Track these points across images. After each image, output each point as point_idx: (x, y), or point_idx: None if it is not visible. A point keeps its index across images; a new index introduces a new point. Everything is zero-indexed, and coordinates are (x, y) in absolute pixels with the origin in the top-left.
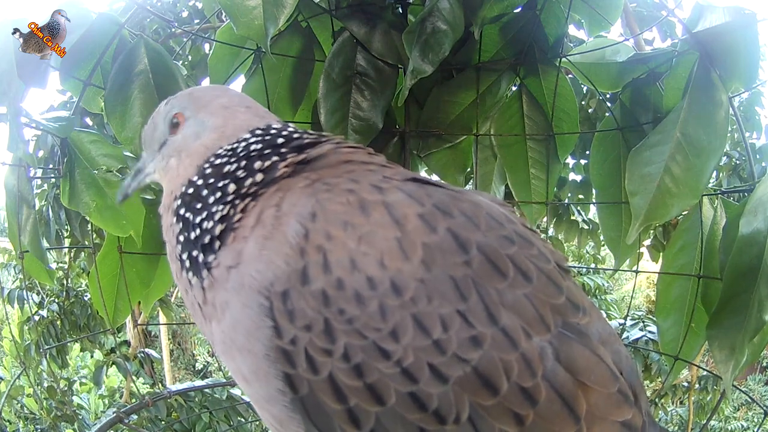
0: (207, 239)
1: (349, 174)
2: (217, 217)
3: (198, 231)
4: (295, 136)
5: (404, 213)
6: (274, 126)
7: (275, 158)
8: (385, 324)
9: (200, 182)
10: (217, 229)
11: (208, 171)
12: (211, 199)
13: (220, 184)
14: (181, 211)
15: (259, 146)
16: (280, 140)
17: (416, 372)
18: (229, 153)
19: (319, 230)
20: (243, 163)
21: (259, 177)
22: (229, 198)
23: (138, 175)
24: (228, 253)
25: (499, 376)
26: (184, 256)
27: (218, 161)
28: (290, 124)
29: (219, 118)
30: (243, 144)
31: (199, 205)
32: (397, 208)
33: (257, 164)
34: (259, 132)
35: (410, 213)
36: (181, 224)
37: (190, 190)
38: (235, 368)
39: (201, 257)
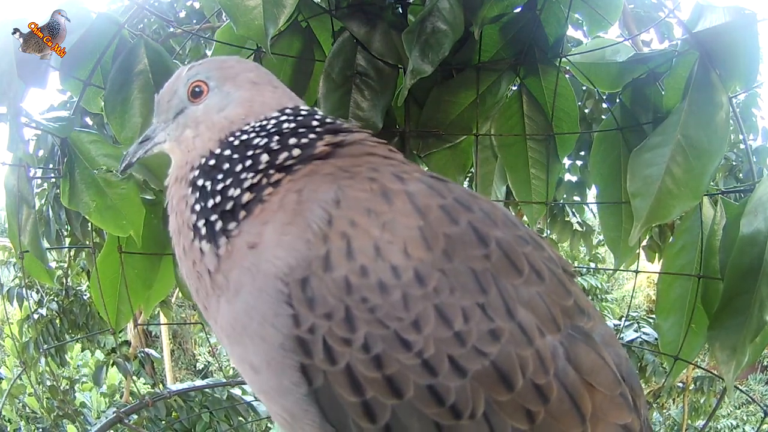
0: (230, 206)
1: (369, 164)
2: (246, 184)
3: (219, 198)
4: (328, 120)
5: (426, 203)
6: (304, 108)
7: (312, 136)
8: (407, 314)
9: (227, 152)
10: (245, 197)
11: (236, 144)
12: (239, 167)
13: (250, 153)
14: (200, 182)
15: (293, 125)
16: (315, 122)
17: (436, 364)
18: (258, 129)
19: (342, 216)
20: (276, 138)
21: (296, 152)
22: (262, 167)
23: (146, 142)
24: (252, 226)
25: (515, 371)
26: (200, 224)
27: (245, 136)
28: (318, 110)
29: (246, 92)
30: (273, 121)
31: (221, 175)
32: (418, 197)
33: (293, 140)
34: (289, 111)
35: (432, 203)
36: (197, 193)
37: (212, 162)
38: (243, 355)
39: (220, 224)
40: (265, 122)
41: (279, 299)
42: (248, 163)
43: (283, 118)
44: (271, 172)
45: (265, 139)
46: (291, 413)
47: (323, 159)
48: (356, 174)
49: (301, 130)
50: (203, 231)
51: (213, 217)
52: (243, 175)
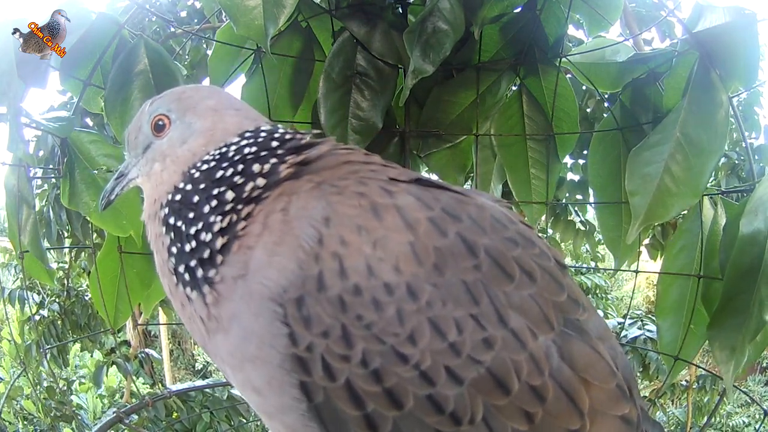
0: (206, 253)
1: (354, 175)
2: (216, 228)
3: (194, 243)
4: (288, 137)
5: (416, 217)
6: (264, 128)
7: (274, 160)
8: (402, 328)
9: (189, 188)
10: (218, 243)
11: (197, 176)
12: (206, 209)
13: (215, 192)
14: (171, 220)
15: (254, 149)
16: (274, 143)
17: (433, 375)
18: (218, 158)
19: (333, 235)
20: (240, 167)
21: (261, 182)
22: (228, 207)
23: (121, 179)
24: (233, 264)
25: (510, 376)
26: (180, 269)
27: (206, 167)
28: (280, 126)
29: (207, 121)
30: (234, 147)
31: (191, 215)
32: (408, 211)
33: (256, 167)
34: (249, 134)
35: (421, 217)
36: (172, 234)
37: (178, 197)
38: (245, 380)
39: (200, 272)
40: (224, 149)
41: (274, 320)
42: (214, 203)
43: (244, 142)
44: (240, 207)
45: (230, 170)
46: (293, 429)
47: (294, 179)
48: (344, 189)
49: (262, 153)
50: (186, 277)
51: (192, 263)
52: (212, 218)
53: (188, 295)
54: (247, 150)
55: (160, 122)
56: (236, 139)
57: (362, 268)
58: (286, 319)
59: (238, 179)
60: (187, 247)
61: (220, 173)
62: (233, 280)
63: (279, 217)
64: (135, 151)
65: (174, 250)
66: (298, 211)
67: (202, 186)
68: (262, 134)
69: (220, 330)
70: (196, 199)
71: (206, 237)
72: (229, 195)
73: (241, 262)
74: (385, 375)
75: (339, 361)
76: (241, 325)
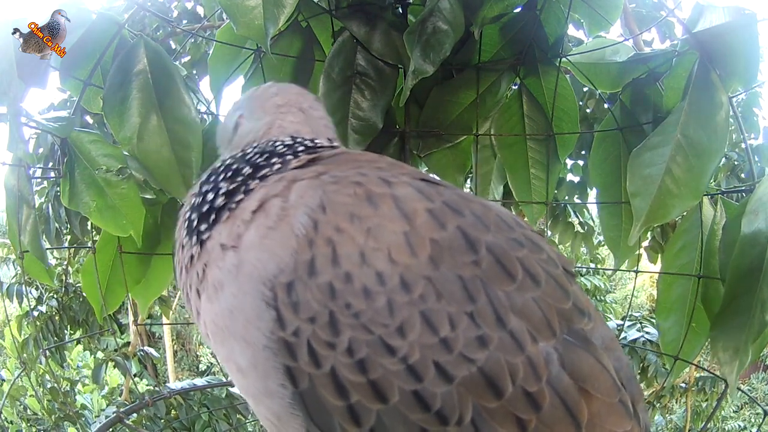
0: (206, 209)
1: (355, 169)
2: (222, 191)
3: (207, 206)
4: (319, 144)
5: (413, 207)
6: (318, 141)
7: (289, 157)
8: (392, 320)
9: (228, 162)
10: (218, 201)
11: (238, 155)
12: (221, 177)
13: (236, 166)
14: (202, 188)
15: (290, 151)
16: (304, 148)
17: (421, 369)
18: (258, 147)
19: (328, 222)
20: (266, 155)
21: (276, 167)
22: (240, 178)
23: None
24: (222, 230)
25: (504, 378)
26: (194, 221)
27: (248, 149)
28: (336, 141)
29: (270, 116)
30: (278, 144)
31: (214, 179)
32: (405, 202)
33: (275, 159)
34: (300, 140)
35: (419, 208)
36: (199, 198)
37: (218, 166)
38: (228, 356)
39: (195, 223)
40: (269, 144)
41: (262, 302)
42: (228, 173)
43: (288, 142)
44: (250, 181)
45: (259, 154)
46: (278, 416)
47: (301, 168)
48: (342, 179)
49: (288, 151)
50: (193, 225)
51: (193, 216)
52: (222, 184)
53: (182, 242)
54: (279, 148)
55: (238, 121)
56: (288, 140)
57: (355, 257)
58: (276, 302)
59: (261, 161)
60: (204, 207)
61: (250, 154)
62: (221, 247)
63: (278, 202)
64: (226, 149)
65: (194, 214)
66: (296, 199)
67: (233, 161)
68: (309, 143)
69: (204, 290)
70: (222, 168)
71: (217, 201)
72: (247, 170)
73: (232, 232)
74: (370, 366)
75: (325, 348)
76: (226, 299)
